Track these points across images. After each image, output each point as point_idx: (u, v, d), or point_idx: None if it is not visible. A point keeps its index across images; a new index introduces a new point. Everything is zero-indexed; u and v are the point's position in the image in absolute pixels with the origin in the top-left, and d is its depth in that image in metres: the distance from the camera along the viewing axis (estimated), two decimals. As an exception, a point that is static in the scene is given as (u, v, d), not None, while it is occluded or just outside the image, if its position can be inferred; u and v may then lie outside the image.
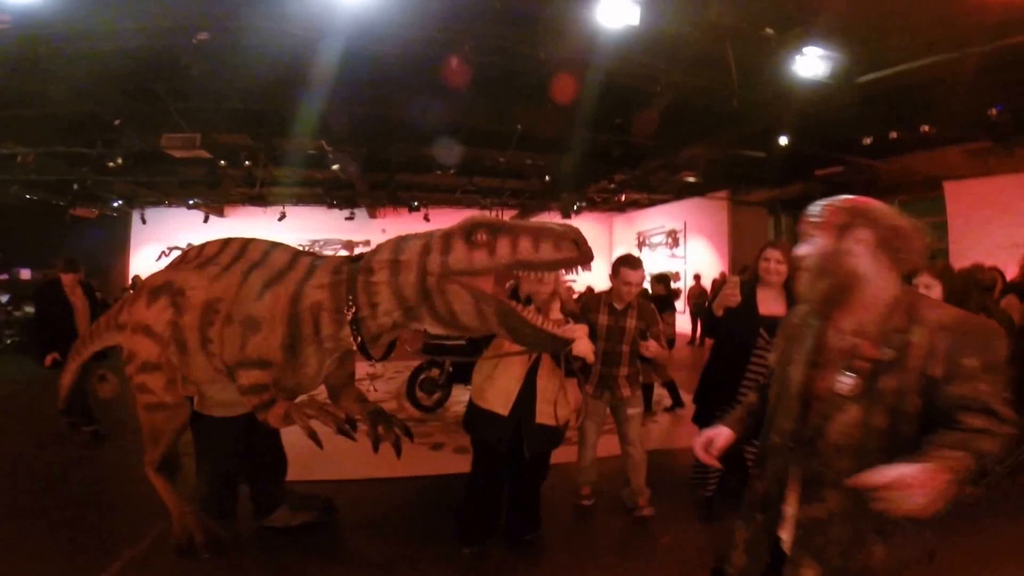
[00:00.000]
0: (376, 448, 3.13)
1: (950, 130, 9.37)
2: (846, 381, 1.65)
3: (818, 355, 1.76)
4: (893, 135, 9.56)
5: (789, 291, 3.68)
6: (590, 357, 3.40)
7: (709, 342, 5.97)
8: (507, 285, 2.87)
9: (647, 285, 7.53)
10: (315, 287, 2.90)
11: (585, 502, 4.34)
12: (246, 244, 3.28)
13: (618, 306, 3.99)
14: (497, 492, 3.66)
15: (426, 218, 15.29)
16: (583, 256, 2.45)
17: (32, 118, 8.29)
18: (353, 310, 2.77)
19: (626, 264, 3.92)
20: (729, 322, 3.71)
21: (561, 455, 3.98)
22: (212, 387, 3.29)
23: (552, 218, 17.44)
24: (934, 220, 11.37)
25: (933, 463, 1.38)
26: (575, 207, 15.68)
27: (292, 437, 3.40)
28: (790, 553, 1.74)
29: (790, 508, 1.76)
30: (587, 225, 18.12)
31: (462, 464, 3.74)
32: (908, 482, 1.35)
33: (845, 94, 6.77)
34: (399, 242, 2.81)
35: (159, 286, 3.27)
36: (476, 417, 3.52)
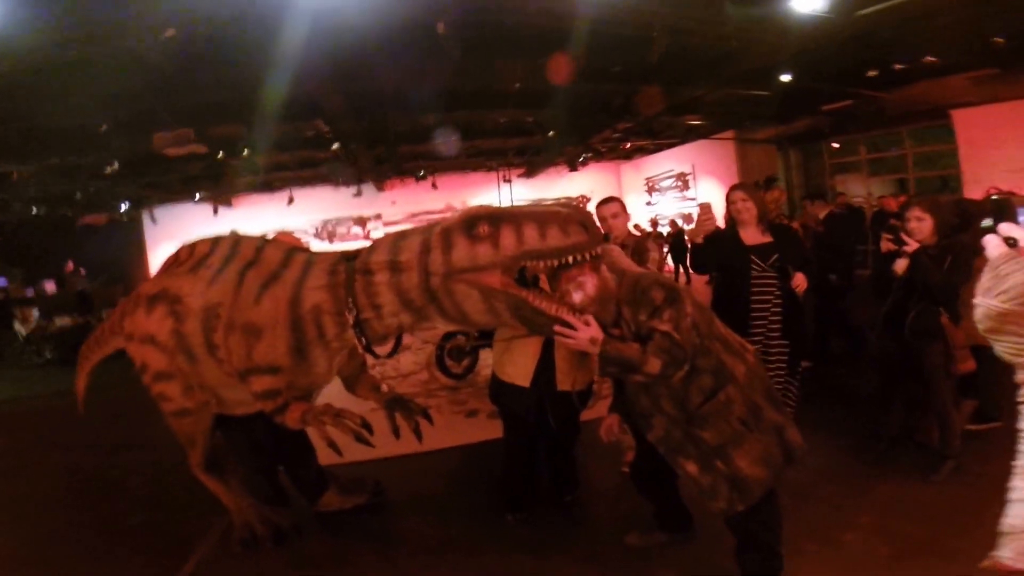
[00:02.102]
0: (397, 435, 3.07)
1: (954, 59, 9.22)
2: None
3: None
4: (897, 67, 9.45)
5: (765, 223, 3.97)
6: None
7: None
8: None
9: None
10: (313, 288, 2.80)
11: (627, 469, 4.09)
12: (237, 241, 3.17)
13: None
14: (533, 458, 3.68)
15: (434, 185, 15.08)
16: (593, 239, 2.37)
17: (20, 134, 8.28)
18: (354, 313, 2.68)
19: (598, 205, 4.01)
20: (721, 258, 3.96)
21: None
22: (227, 390, 3.21)
23: (559, 172, 17.47)
24: (944, 148, 11.51)
25: (603, 341, 2.33)
26: (581, 159, 15.56)
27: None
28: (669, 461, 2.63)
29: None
30: (594, 175, 18.23)
31: (498, 429, 3.74)
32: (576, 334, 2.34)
33: (846, 28, 6.60)
34: (396, 240, 2.70)
35: (156, 294, 3.18)
36: (500, 390, 3.52)
